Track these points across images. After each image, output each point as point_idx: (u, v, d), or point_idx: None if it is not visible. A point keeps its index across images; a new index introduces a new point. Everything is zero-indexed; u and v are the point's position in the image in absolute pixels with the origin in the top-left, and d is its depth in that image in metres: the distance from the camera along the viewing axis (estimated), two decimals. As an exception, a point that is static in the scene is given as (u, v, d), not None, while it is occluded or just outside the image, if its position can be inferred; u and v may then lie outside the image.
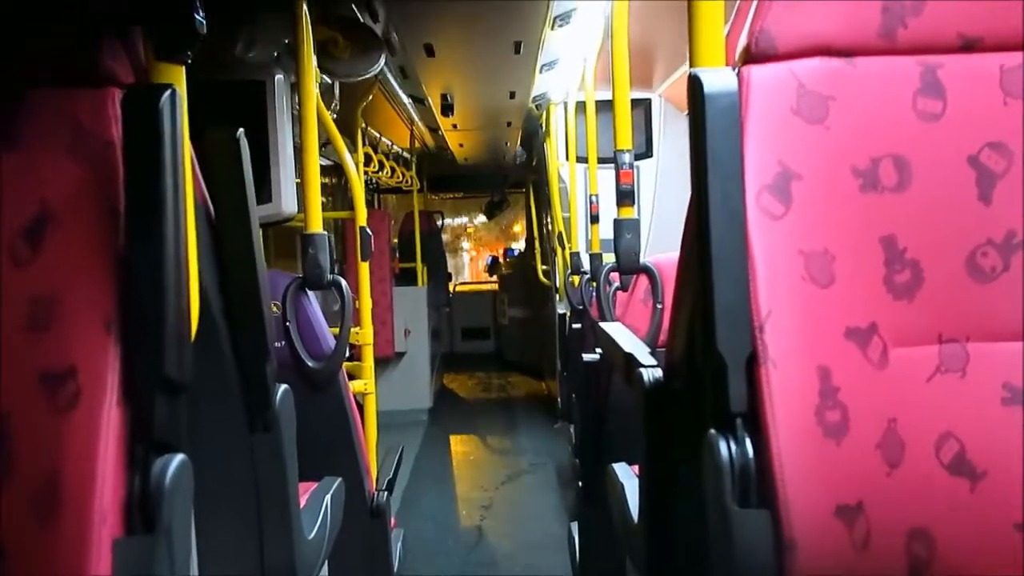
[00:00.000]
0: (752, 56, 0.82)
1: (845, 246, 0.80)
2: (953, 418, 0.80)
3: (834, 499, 0.74)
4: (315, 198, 1.81)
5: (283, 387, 1.13)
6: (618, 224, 1.75)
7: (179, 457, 0.76)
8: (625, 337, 1.25)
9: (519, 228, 9.77)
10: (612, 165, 1.90)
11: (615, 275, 1.97)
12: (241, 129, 1.03)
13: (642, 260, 1.81)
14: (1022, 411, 0.81)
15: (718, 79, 0.78)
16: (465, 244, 10.83)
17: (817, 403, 0.74)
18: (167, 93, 0.77)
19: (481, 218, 9.87)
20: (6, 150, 0.81)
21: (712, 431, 0.76)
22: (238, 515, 1.09)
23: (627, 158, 1.79)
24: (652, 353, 1.13)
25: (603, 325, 1.37)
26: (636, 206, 3.96)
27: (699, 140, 0.77)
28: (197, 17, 0.87)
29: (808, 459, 0.73)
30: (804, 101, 0.81)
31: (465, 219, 10.55)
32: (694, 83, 0.78)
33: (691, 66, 0.83)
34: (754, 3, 0.84)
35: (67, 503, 0.71)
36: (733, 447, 0.74)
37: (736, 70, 0.83)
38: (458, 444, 5.13)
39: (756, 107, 0.80)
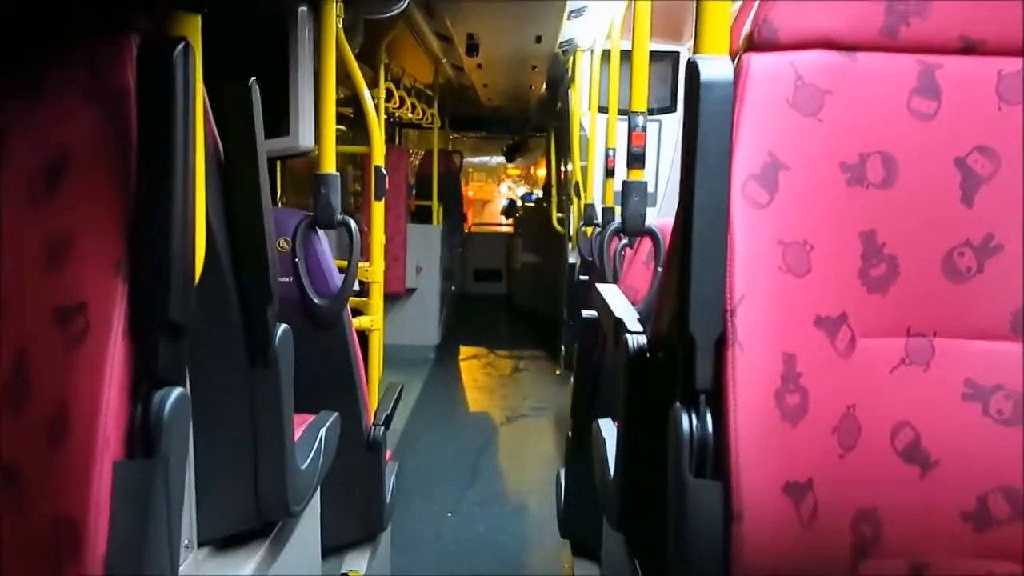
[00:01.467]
0: (754, 44, 0.83)
1: (825, 237, 0.83)
2: (912, 408, 0.84)
3: (784, 476, 0.78)
4: (329, 139, 1.83)
5: (283, 327, 1.18)
6: (627, 186, 1.76)
7: (178, 390, 0.81)
8: (618, 300, 1.29)
9: (544, 172, 9.74)
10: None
11: (620, 234, 1.99)
12: (253, 78, 1.05)
13: (654, 220, 1.83)
14: (981, 407, 0.84)
15: (715, 68, 0.79)
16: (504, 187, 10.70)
17: (778, 386, 0.78)
18: (180, 46, 0.80)
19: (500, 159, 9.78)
20: (28, 93, 0.85)
21: (677, 404, 0.80)
22: (236, 444, 1.16)
23: (640, 120, 1.79)
24: (643, 319, 1.17)
25: (599, 286, 1.41)
26: (656, 161, 3.95)
27: (691, 126, 0.79)
28: None
29: (763, 437, 0.78)
30: (801, 93, 0.83)
31: (487, 158, 10.45)
32: (691, 70, 0.80)
33: (694, 51, 0.85)
34: None
35: (75, 428, 0.77)
36: (695, 421, 0.79)
37: (737, 57, 0.84)
38: (462, 384, 5.23)
39: (753, 96, 0.82)
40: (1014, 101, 0.83)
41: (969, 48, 0.84)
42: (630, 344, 1.06)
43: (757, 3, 0.84)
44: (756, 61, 0.83)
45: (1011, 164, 0.83)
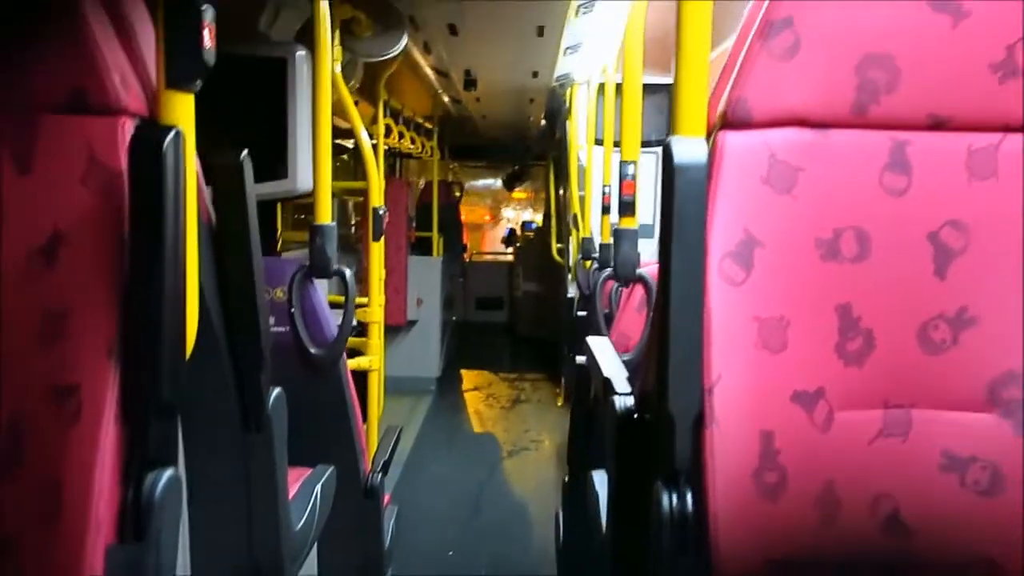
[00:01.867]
0: (729, 122, 0.86)
1: (801, 313, 0.84)
2: (891, 480, 0.85)
3: (765, 553, 0.79)
4: (325, 188, 1.86)
5: (276, 390, 1.19)
6: (618, 234, 1.78)
7: (169, 472, 0.83)
8: (607, 357, 1.30)
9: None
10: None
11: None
12: (245, 151, 1.08)
13: (650, 255, 1.84)
14: (959, 478, 0.86)
15: (690, 150, 0.82)
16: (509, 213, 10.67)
17: (756, 465, 0.79)
18: (171, 135, 0.82)
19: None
20: (22, 173, 0.87)
21: (658, 483, 0.81)
22: (230, 509, 1.17)
23: (631, 169, 1.82)
24: (634, 370, 1.18)
25: (589, 339, 1.42)
26: (654, 194, 3.97)
27: (668, 207, 0.81)
28: (205, 48, 0.91)
29: (742, 516, 0.79)
30: (774, 171, 0.85)
31: (491, 181, 10.42)
32: (667, 152, 0.82)
33: (672, 132, 0.87)
34: (735, 68, 0.87)
35: (67, 510, 0.79)
36: (675, 501, 0.80)
37: (712, 135, 0.87)
38: (463, 416, 5.23)
39: (727, 174, 0.84)
40: (983, 176, 0.85)
41: (938, 124, 0.86)
42: (617, 406, 1.08)
43: (732, 81, 0.87)
44: (731, 139, 0.85)
45: (983, 238, 0.85)
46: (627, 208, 1.81)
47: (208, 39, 0.92)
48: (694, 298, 0.80)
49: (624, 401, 1.08)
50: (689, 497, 0.79)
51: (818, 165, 0.85)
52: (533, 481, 4.08)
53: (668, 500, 0.80)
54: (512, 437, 4.73)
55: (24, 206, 0.88)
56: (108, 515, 0.79)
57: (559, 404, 5.24)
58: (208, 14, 0.92)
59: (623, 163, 1.82)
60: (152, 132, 0.83)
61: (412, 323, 5.57)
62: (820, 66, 0.84)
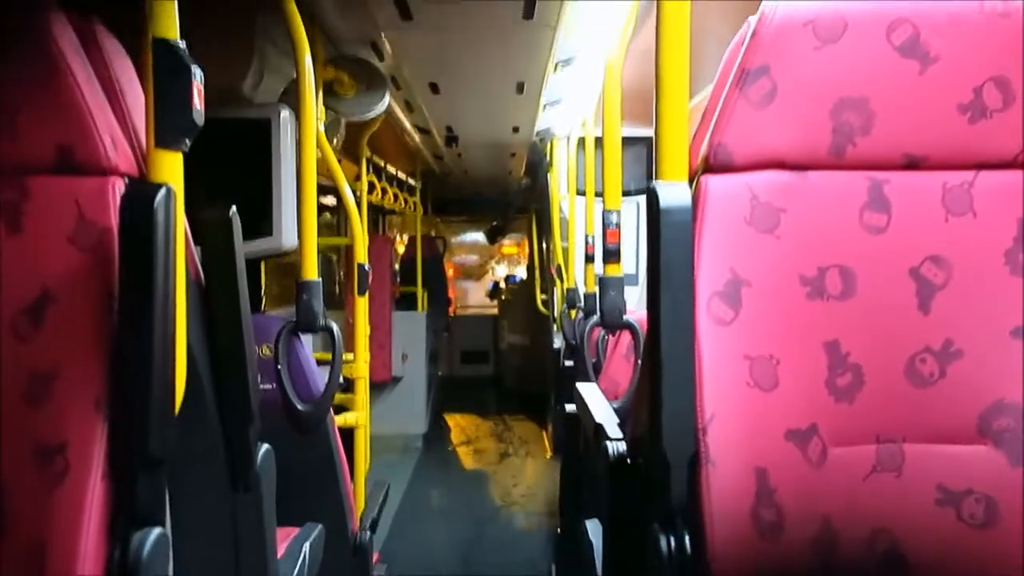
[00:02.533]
0: (710, 167, 0.88)
1: (790, 350, 0.85)
2: (888, 515, 0.85)
3: None
4: (311, 243, 1.86)
5: (265, 447, 1.18)
6: (603, 282, 1.80)
7: (156, 531, 0.81)
8: (597, 403, 1.30)
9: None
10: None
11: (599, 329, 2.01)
12: (234, 208, 1.08)
13: (636, 302, 1.86)
14: (955, 512, 0.86)
15: (674, 194, 0.83)
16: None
17: (752, 503, 0.79)
18: (162, 192, 0.83)
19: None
20: (10, 234, 0.87)
21: (655, 525, 0.81)
22: (217, 570, 1.14)
23: (614, 218, 1.85)
24: (623, 416, 1.18)
25: (579, 386, 1.42)
26: (635, 244, 4.01)
27: (655, 251, 0.82)
28: (195, 108, 0.93)
29: (742, 556, 0.78)
30: (757, 212, 0.87)
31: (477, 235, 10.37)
32: (652, 196, 0.84)
33: (655, 176, 0.89)
34: (715, 115, 0.90)
35: (52, 572, 0.76)
36: (673, 543, 0.79)
37: (695, 179, 0.89)
38: (451, 473, 5.15)
39: (712, 216, 0.86)
40: (959, 212, 0.88)
41: (913, 164, 0.88)
42: (610, 452, 1.07)
43: (712, 127, 0.89)
44: (713, 183, 0.87)
45: (963, 272, 0.87)
46: (612, 256, 1.83)
47: (198, 99, 0.93)
48: (684, 338, 0.81)
49: (616, 446, 1.08)
50: (687, 539, 0.79)
51: (799, 205, 0.87)
52: (523, 536, 4.00)
53: (666, 543, 0.79)
54: (501, 491, 4.66)
55: (11, 267, 0.88)
56: (95, 575, 0.77)
57: (548, 456, 5.19)
58: (198, 75, 0.93)
59: (606, 212, 1.85)
60: (143, 189, 0.84)
61: (397, 379, 5.53)
62: (797, 111, 0.87)
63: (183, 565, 1.11)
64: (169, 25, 0.91)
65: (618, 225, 1.85)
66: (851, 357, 0.86)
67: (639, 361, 1.78)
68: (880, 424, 0.86)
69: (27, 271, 0.87)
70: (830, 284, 0.87)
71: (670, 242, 0.82)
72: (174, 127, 0.91)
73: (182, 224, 0.91)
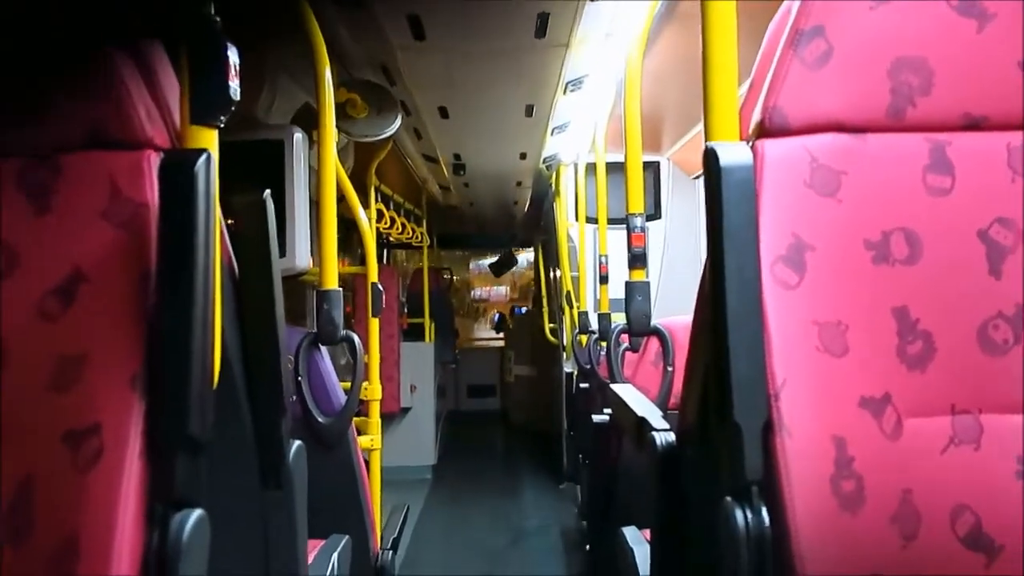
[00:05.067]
0: (766, 131, 0.85)
1: (858, 316, 0.81)
2: (968, 491, 0.80)
3: (848, 571, 0.73)
4: (332, 255, 1.84)
5: (296, 443, 1.13)
6: (629, 286, 1.77)
7: (197, 513, 0.76)
8: (637, 400, 1.26)
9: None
10: (621, 226, 1.94)
11: (624, 336, 1.98)
12: (268, 191, 1.06)
13: (653, 322, 1.82)
14: None
15: (733, 153, 0.81)
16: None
17: (832, 473, 0.75)
18: (203, 158, 0.80)
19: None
20: (41, 213, 0.84)
21: (728, 499, 0.76)
22: (247, 570, 1.09)
23: (639, 221, 1.82)
24: (664, 417, 1.14)
25: (614, 387, 1.38)
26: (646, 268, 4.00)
27: (715, 212, 0.79)
28: (231, 84, 0.90)
29: (825, 531, 0.73)
30: (817, 175, 0.84)
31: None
32: (710, 156, 0.81)
33: (706, 139, 0.86)
34: (768, 79, 0.87)
35: (85, 560, 0.72)
36: (749, 516, 0.74)
37: (750, 144, 0.86)
38: (462, 505, 5.06)
39: (770, 180, 0.83)
40: None
41: (973, 125, 0.86)
42: (658, 442, 1.03)
43: (765, 91, 0.87)
44: (770, 146, 0.84)
45: None
46: (637, 260, 1.81)
47: (234, 75, 0.91)
48: (751, 301, 0.77)
49: (664, 436, 1.04)
50: (764, 512, 0.74)
51: (860, 168, 0.84)
52: (543, 562, 3.90)
53: (743, 516, 0.74)
54: (515, 523, 4.56)
55: (38, 248, 0.85)
56: (130, 562, 0.72)
57: (560, 487, 5.09)
58: (233, 55, 0.92)
59: (630, 216, 1.82)
60: (183, 156, 0.81)
61: (406, 411, 5.46)
62: (853, 72, 0.85)
63: (212, 567, 1.05)
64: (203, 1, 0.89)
65: (643, 229, 1.82)
66: (921, 324, 0.82)
67: (668, 368, 1.74)
68: (954, 394, 0.82)
69: (56, 251, 0.84)
70: (895, 248, 0.83)
71: (732, 203, 0.79)
72: (209, 102, 0.89)
73: (217, 198, 0.88)
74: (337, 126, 2.70)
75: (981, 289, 0.83)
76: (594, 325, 3.38)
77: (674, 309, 1.85)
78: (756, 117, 0.86)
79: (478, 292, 10.03)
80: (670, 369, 1.71)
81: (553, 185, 4.59)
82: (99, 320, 0.81)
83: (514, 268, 8.92)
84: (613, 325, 1.95)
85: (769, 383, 0.76)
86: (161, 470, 0.75)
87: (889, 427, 0.79)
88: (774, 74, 0.85)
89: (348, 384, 1.86)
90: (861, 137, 0.85)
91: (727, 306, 0.77)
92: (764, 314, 0.78)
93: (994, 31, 0.85)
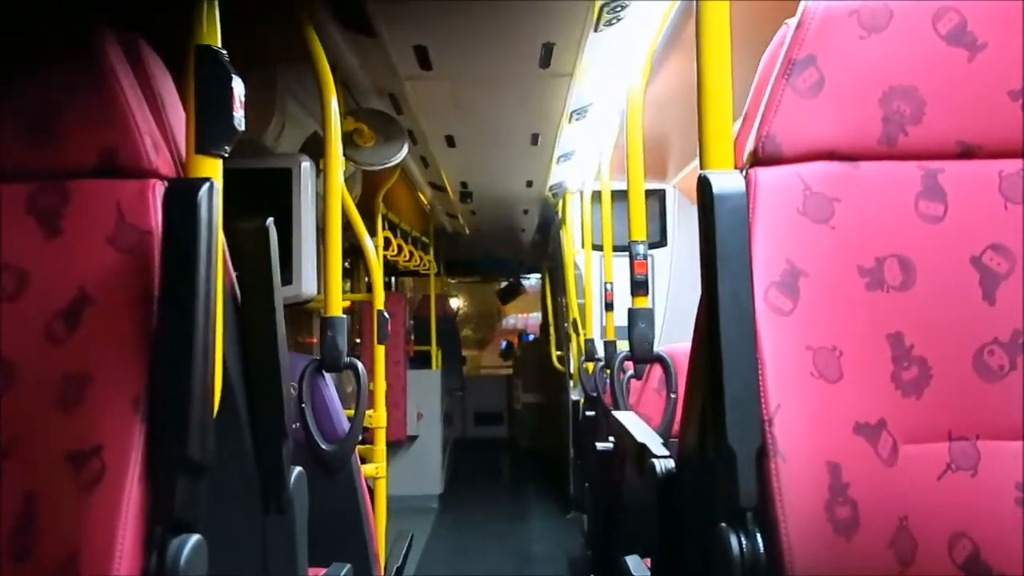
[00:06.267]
0: (759, 159, 0.86)
1: (852, 342, 0.82)
2: (966, 517, 0.80)
3: None
4: (336, 282, 1.85)
5: (297, 469, 1.14)
6: (632, 313, 1.77)
7: (195, 538, 0.77)
8: (638, 427, 1.26)
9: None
10: (627, 253, 1.95)
11: (629, 363, 1.98)
12: (271, 219, 1.07)
13: (656, 349, 1.82)
14: None
15: (726, 181, 0.82)
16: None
17: (827, 498, 0.75)
18: (206, 186, 0.82)
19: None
20: (50, 237, 0.86)
21: (723, 525, 0.76)
22: None
23: (641, 249, 1.83)
24: (665, 444, 1.14)
25: (616, 414, 1.38)
26: (651, 295, 4.01)
27: (709, 239, 0.80)
28: (236, 114, 0.93)
29: (819, 557, 0.73)
30: (810, 202, 0.85)
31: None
32: (703, 184, 0.82)
33: (701, 167, 0.87)
34: (761, 108, 0.89)
35: None
36: (744, 542, 0.74)
37: (744, 172, 0.87)
38: (469, 533, 5.01)
39: (764, 207, 0.84)
40: (1018, 200, 0.85)
41: (967, 153, 0.86)
42: (658, 469, 1.03)
43: (758, 120, 0.88)
44: (763, 174, 0.85)
45: None
46: (640, 287, 1.81)
47: (238, 106, 0.93)
48: (745, 326, 0.78)
49: (664, 463, 1.04)
50: (759, 538, 0.74)
51: (853, 195, 0.85)
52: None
53: (737, 543, 0.74)
54: (522, 552, 4.52)
55: (46, 271, 0.87)
56: None
57: (568, 516, 5.05)
58: (238, 86, 0.94)
59: (632, 243, 1.83)
60: (187, 184, 0.83)
61: (412, 439, 5.44)
62: (845, 100, 0.86)
63: None
64: (211, 32, 0.92)
65: (646, 257, 1.83)
66: (915, 350, 0.83)
67: (671, 394, 1.74)
68: (951, 420, 0.82)
69: (63, 274, 0.86)
70: (889, 274, 0.84)
71: (725, 230, 0.80)
72: (215, 132, 0.91)
73: (221, 226, 0.90)
74: (344, 154, 2.73)
75: (975, 315, 0.83)
76: (600, 352, 3.38)
77: (680, 336, 1.85)
78: (750, 146, 0.88)
79: (511, 320, 9.94)
80: (673, 396, 1.71)
81: (559, 213, 4.61)
82: (103, 343, 0.82)
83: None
84: (618, 352, 1.95)
85: (763, 408, 0.76)
86: (161, 493, 0.76)
87: (885, 453, 0.79)
88: (767, 103, 0.87)
89: (352, 411, 1.87)
90: (854, 165, 0.86)
91: (721, 332, 0.78)
92: (758, 339, 0.79)
93: (985, 60, 0.86)
